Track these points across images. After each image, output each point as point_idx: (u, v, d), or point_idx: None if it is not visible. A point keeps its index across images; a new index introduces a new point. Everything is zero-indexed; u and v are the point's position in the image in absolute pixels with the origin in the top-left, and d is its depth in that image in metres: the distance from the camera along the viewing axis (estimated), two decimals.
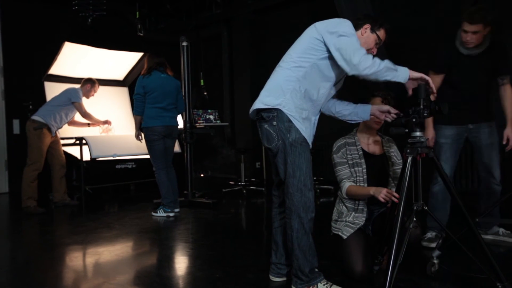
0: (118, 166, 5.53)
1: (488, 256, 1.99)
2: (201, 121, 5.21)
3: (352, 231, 2.33)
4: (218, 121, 5.50)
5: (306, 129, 2.05)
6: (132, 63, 6.28)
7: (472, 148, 3.02)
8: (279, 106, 2.01)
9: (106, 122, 5.51)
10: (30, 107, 5.04)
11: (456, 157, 2.96)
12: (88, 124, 5.45)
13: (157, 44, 7.25)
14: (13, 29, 6.02)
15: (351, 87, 3.13)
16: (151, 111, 4.12)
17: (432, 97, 2.04)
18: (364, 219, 2.37)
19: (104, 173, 5.54)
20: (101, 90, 5.38)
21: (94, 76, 5.37)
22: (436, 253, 2.25)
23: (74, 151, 5.19)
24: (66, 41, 5.17)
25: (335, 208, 2.53)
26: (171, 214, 4.17)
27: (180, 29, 7.09)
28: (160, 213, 4.18)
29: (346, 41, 1.94)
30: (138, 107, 4.16)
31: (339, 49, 1.94)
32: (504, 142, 2.85)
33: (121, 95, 6.42)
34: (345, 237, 2.33)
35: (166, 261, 2.84)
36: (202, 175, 7.73)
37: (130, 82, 6.46)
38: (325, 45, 1.99)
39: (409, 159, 1.99)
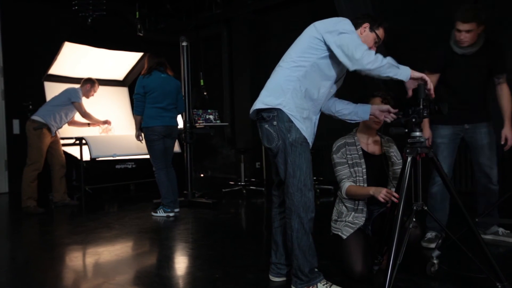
0: (118, 166, 5.55)
1: (488, 256, 1.99)
2: (201, 121, 5.21)
3: (351, 231, 2.33)
4: (218, 121, 5.50)
5: (307, 129, 2.05)
6: (132, 63, 6.28)
7: (469, 148, 3.01)
8: (280, 106, 2.01)
9: (106, 122, 5.50)
10: (30, 107, 5.03)
11: (453, 156, 2.96)
12: (88, 124, 5.46)
13: (157, 44, 7.25)
14: (13, 29, 6.02)
15: (351, 87, 3.12)
16: (151, 111, 4.12)
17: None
18: (364, 219, 2.37)
19: (104, 173, 5.54)
20: (101, 90, 5.38)
21: (94, 76, 5.36)
22: (436, 253, 2.25)
23: (74, 151, 5.19)
24: (66, 41, 5.17)
25: (334, 208, 2.53)
26: (171, 214, 4.17)
27: (180, 29, 7.10)
28: (160, 213, 4.18)
29: (347, 38, 1.94)
30: (138, 107, 4.15)
31: (341, 46, 1.93)
32: (502, 142, 2.84)
33: (121, 95, 6.42)
34: (344, 237, 2.33)
35: (166, 261, 2.84)
36: (202, 175, 7.73)
37: (130, 82, 6.46)
38: (325, 44, 1.99)
39: (409, 159, 1.99)
